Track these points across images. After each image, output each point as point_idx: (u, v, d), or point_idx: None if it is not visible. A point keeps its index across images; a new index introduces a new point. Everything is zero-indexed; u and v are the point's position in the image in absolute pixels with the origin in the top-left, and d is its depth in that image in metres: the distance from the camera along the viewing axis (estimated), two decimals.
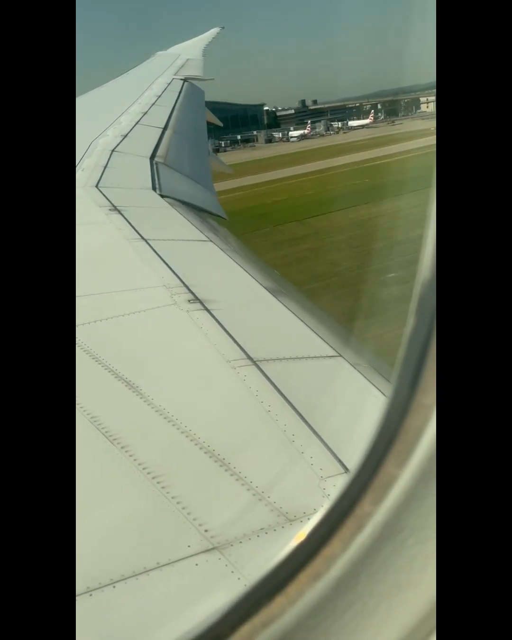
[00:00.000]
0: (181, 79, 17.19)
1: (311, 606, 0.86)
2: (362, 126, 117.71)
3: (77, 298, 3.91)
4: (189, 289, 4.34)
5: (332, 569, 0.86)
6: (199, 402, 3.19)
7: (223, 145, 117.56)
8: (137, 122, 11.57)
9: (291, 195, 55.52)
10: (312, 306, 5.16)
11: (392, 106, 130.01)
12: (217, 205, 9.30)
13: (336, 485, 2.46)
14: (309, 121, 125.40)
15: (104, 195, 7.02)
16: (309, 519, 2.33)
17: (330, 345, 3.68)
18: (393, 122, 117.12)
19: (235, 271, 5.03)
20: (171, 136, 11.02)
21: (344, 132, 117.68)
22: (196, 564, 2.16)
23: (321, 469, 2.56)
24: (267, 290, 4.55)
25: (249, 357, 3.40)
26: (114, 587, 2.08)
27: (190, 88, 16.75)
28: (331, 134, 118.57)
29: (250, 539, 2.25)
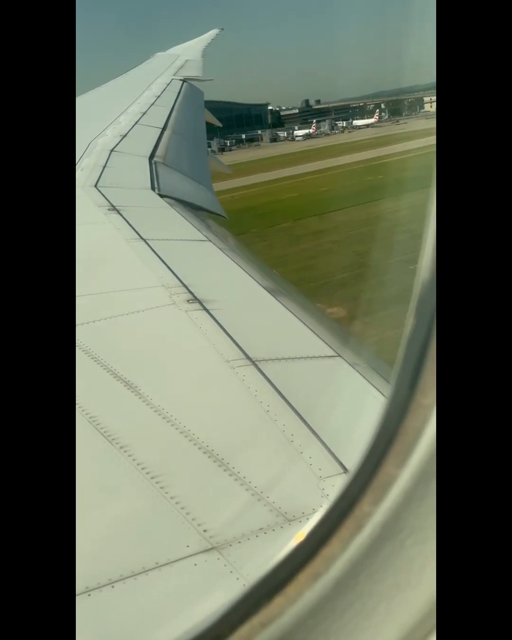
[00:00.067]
0: (180, 80, 17.19)
1: (310, 606, 0.86)
2: (367, 125, 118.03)
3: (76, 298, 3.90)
4: (187, 289, 4.34)
5: (332, 569, 0.86)
6: (197, 402, 3.19)
7: (228, 144, 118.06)
8: (136, 122, 11.56)
9: (306, 191, 55.95)
10: (311, 306, 5.16)
11: (396, 106, 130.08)
12: (217, 205, 9.30)
13: (335, 485, 2.46)
14: (314, 120, 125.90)
15: (102, 195, 7.02)
16: (308, 519, 2.33)
17: (329, 345, 3.68)
18: (398, 121, 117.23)
19: (234, 271, 5.03)
20: (170, 136, 11.02)
21: (349, 131, 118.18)
22: (195, 564, 2.16)
23: (320, 469, 2.56)
24: (266, 290, 4.55)
25: (248, 357, 3.40)
26: (112, 587, 2.08)
27: (190, 88, 16.75)
28: (335, 133, 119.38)
29: (249, 539, 2.25)
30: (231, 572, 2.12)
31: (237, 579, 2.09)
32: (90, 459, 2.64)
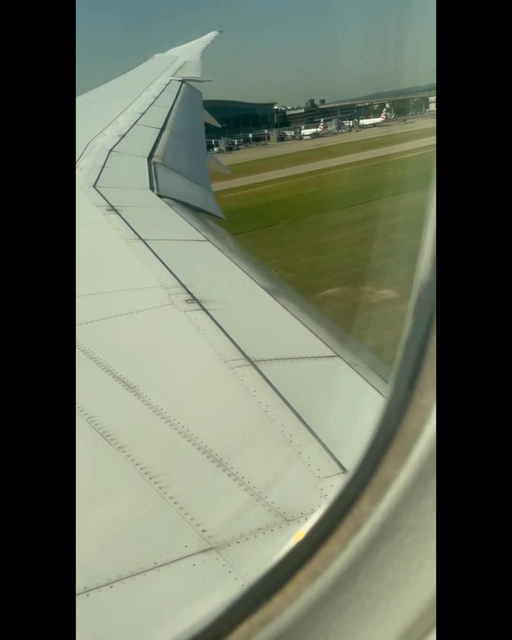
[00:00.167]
0: (179, 81, 17.19)
1: (309, 605, 0.86)
2: (374, 125, 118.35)
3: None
4: (186, 289, 4.34)
5: (331, 569, 0.87)
6: (196, 402, 3.19)
7: (236, 143, 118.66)
8: (135, 123, 11.56)
9: (328, 186, 56.25)
10: (309, 306, 5.17)
11: (401, 105, 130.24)
12: (215, 205, 9.29)
13: (334, 485, 2.46)
14: (322, 120, 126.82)
15: (101, 195, 7.02)
16: (306, 519, 2.33)
17: (328, 346, 3.68)
18: (405, 120, 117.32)
19: (233, 271, 5.03)
20: (169, 136, 11.02)
21: (357, 131, 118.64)
22: (194, 564, 2.16)
23: (319, 469, 2.56)
24: (265, 290, 4.56)
25: (247, 357, 3.40)
26: (111, 587, 2.08)
27: (188, 89, 16.75)
28: (342, 132, 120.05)
29: (247, 539, 2.25)
30: (230, 572, 2.12)
31: (236, 579, 2.09)
32: (89, 459, 2.64)
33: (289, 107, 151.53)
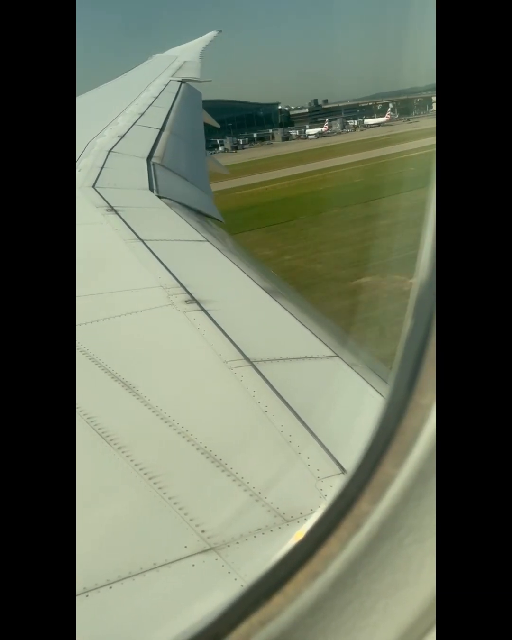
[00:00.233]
0: (178, 81, 17.19)
1: (309, 605, 0.87)
2: (378, 124, 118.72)
3: None
4: (186, 290, 4.34)
5: (330, 568, 0.87)
6: (196, 403, 3.19)
7: (241, 142, 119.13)
8: (134, 123, 11.56)
9: (341, 183, 56.44)
10: (309, 306, 5.17)
11: (404, 105, 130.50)
12: (214, 208, 9.29)
13: (333, 485, 2.46)
14: (327, 119, 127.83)
15: (100, 195, 7.02)
16: (306, 519, 2.33)
17: (327, 346, 3.69)
18: (408, 119, 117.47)
19: (232, 271, 5.03)
20: (168, 137, 11.02)
21: (361, 130, 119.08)
22: (193, 565, 2.16)
23: (318, 470, 2.56)
24: (264, 290, 4.56)
25: (246, 358, 3.41)
26: (110, 587, 2.08)
27: (188, 90, 16.75)
28: (347, 132, 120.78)
29: (247, 539, 2.25)
30: (229, 572, 2.12)
31: (235, 579, 2.09)
32: (88, 459, 2.64)
33: (292, 107, 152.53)
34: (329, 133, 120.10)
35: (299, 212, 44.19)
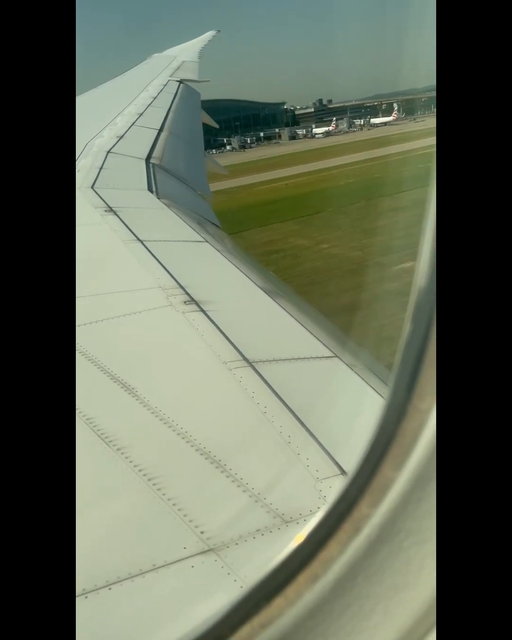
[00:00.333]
0: (177, 81, 17.18)
1: (309, 608, 0.87)
2: (384, 123, 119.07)
3: None
4: (184, 290, 4.34)
5: (330, 571, 0.87)
6: (195, 404, 3.19)
7: (249, 141, 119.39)
8: (133, 123, 11.56)
9: (362, 177, 56.70)
10: (308, 306, 5.17)
11: (410, 104, 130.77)
12: (209, 210, 9.27)
13: (332, 486, 2.47)
14: (334, 118, 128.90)
15: (99, 196, 7.02)
16: (305, 520, 2.33)
17: (326, 346, 3.69)
18: (415, 119, 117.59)
19: (231, 272, 5.03)
20: (167, 137, 11.02)
21: (368, 129, 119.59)
22: (192, 566, 2.16)
23: (317, 471, 2.57)
24: (263, 291, 4.56)
25: (245, 359, 3.41)
26: (109, 588, 2.08)
27: (186, 90, 16.74)
28: (354, 131, 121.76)
29: (246, 540, 2.26)
30: (228, 574, 2.12)
31: (235, 580, 2.09)
32: (88, 460, 2.64)
33: (298, 107, 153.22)
34: (336, 132, 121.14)
35: (325, 205, 44.56)
